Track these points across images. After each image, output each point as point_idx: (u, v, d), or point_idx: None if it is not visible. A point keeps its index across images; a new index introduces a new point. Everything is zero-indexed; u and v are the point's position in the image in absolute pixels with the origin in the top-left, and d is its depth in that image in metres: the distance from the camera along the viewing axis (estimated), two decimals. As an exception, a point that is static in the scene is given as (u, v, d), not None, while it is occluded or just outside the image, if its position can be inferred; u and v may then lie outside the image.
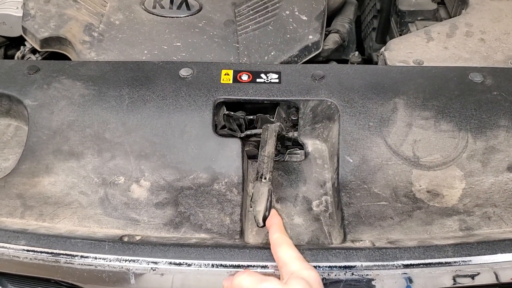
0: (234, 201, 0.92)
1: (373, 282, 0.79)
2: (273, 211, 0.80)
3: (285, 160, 1.07)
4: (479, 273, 0.81)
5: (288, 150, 1.09)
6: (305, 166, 1.04)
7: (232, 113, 1.03)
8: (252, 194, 0.86)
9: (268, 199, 0.82)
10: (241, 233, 0.88)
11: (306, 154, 1.06)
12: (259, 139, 1.07)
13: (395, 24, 1.49)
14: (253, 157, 1.07)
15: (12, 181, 0.94)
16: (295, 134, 1.09)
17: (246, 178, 0.98)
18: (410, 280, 0.80)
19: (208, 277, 0.79)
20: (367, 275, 0.78)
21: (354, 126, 1.00)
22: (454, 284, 0.82)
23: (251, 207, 0.85)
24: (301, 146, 1.10)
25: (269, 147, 0.94)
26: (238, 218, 0.89)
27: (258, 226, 0.81)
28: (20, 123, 1.09)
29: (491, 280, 0.82)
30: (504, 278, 0.81)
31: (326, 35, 1.45)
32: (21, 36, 1.37)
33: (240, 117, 1.03)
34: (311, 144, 1.08)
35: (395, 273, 0.78)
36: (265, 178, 0.87)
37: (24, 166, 0.96)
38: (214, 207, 0.91)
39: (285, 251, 0.73)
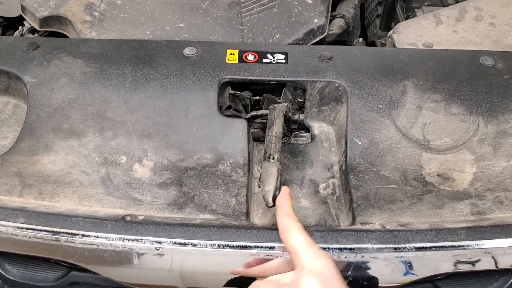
0: (240, 182, 0.89)
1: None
2: (284, 189, 0.77)
3: (291, 142, 1.05)
4: (480, 260, 0.78)
5: (294, 133, 1.07)
6: (311, 149, 1.02)
7: (238, 92, 1.00)
8: (260, 174, 0.83)
9: (278, 178, 0.79)
10: (247, 214, 0.86)
11: (313, 137, 1.04)
12: (264, 121, 1.04)
13: (401, 10, 1.46)
14: (257, 139, 1.04)
15: (11, 159, 0.91)
16: (301, 116, 1.06)
17: (252, 160, 0.95)
18: (410, 266, 0.77)
19: (213, 258, 0.77)
20: (377, 257, 0.75)
21: (363, 108, 0.97)
22: (454, 270, 0.79)
23: (259, 187, 0.82)
24: (307, 129, 1.07)
25: (277, 127, 0.91)
26: (244, 199, 0.87)
27: (267, 206, 0.79)
28: (19, 101, 1.06)
29: (490, 266, 0.80)
30: (504, 264, 0.79)
31: (331, 20, 1.42)
32: (19, 17, 1.34)
33: (246, 97, 1.01)
34: (317, 127, 1.06)
35: (407, 255, 0.76)
36: (273, 158, 0.85)
37: (23, 144, 0.93)
38: (219, 188, 0.88)
39: (295, 237, 0.70)
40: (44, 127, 0.95)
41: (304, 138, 1.06)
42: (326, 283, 0.63)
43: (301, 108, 1.08)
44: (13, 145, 0.94)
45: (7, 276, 0.83)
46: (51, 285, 0.83)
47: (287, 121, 1.03)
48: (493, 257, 0.78)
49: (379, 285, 0.78)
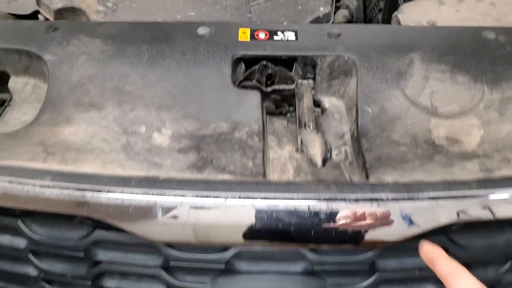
0: (256, 147, 0.92)
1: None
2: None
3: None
4: (490, 209, 0.81)
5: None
6: (322, 121, 1.05)
7: (270, 63, 1.04)
8: (301, 140, 0.87)
9: (325, 142, 0.84)
10: (264, 175, 0.88)
11: (323, 110, 1.07)
12: (278, 97, 1.08)
13: (403, 2, 1.51)
14: (270, 113, 1.08)
15: (33, 131, 0.94)
16: (312, 92, 1.10)
17: (266, 129, 0.99)
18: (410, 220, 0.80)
19: (233, 212, 0.79)
20: (393, 207, 0.78)
21: (372, 79, 1.01)
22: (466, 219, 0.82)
23: (299, 151, 0.86)
24: (317, 105, 1.11)
25: (307, 100, 0.97)
26: (260, 162, 0.90)
27: (316, 167, 0.83)
28: (38, 81, 1.10)
29: (500, 216, 0.82)
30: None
31: (336, 11, 1.47)
32: (31, 14, 1.38)
33: (276, 69, 1.04)
34: (327, 101, 1.09)
35: (421, 205, 0.79)
36: (309, 127, 0.89)
37: (44, 117, 0.97)
38: (236, 152, 0.91)
39: (467, 282, 0.72)
40: (64, 101, 0.99)
41: (315, 112, 1.10)
42: None
43: (311, 84, 1.12)
44: (35, 118, 0.97)
45: (34, 236, 0.85)
46: (76, 243, 0.85)
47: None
48: (502, 207, 0.80)
49: (394, 239, 0.80)
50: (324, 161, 0.88)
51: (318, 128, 1.03)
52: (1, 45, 1.07)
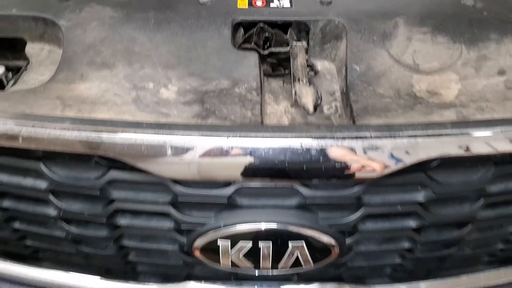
0: (254, 100, 1.02)
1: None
2: None
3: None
4: (464, 146, 0.90)
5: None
6: (315, 81, 1.15)
7: (267, 26, 1.13)
8: (295, 91, 0.97)
9: (317, 91, 0.94)
10: (262, 123, 0.98)
11: (316, 72, 1.17)
12: (274, 60, 1.18)
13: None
14: (268, 75, 1.18)
15: (51, 87, 1.04)
16: (306, 56, 1.20)
17: (263, 86, 1.09)
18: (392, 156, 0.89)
19: (234, 150, 0.89)
20: (376, 144, 0.88)
21: (360, 40, 1.11)
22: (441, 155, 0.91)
23: (295, 101, 0.96)
24: (311, 68, 1.20)
25: (301, 59, 1.07)
26: (258, 112, 1.00)
27: (308, 113, 0.93)
28: (53, 46, 1.19)
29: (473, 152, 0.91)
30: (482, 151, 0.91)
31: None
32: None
33: (272, 32, 1.14)
34: (320, 64, 1.19)
35: (401, 142, 0.88)
36: (303, 81, 0.99)
37: (61, 75, 1.06)
38: (236, 104, 1.01)
39: None
40: (79, 61, 1.08)
41: (308, 74, 1.20)
42: None
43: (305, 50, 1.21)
44: (52, 76, 1.06)
45: (54, 176, 0.95)
46: (92, 183, 0.94)
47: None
48: (475, 145, 0.90)
49: (374, 175, 0.89)
50: (315, 108, 0.98)
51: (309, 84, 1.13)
52: (19, 12, 1.17)
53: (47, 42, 1.20)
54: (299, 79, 1.04)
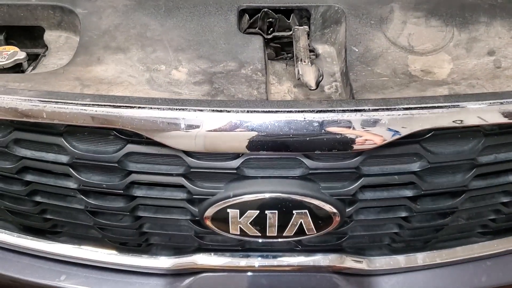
0: (260, 80, 1.10)
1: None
2: None
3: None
4: (456, 119, 0.97)
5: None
6: (316, 63, 1.22)
7: (270, 10, 1.21)
8: (298, 71, 1.05)
9: (318, 69, 1.01)
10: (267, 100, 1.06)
11: (317, 55, 1.25)
12: (278, 45, 1.26)
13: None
14: (271, 59, 1.25)
15: (69, 69, 1.12)
16: (307, 39, 1.27)
17: (268, 67, 1.16)
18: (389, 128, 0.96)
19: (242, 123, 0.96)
20: (374, 116, 0.95)
21: (358, 24, 1.19)
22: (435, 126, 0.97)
23: (299, 79, 1.04)
24: (313, 52, 1.28)
25: (303, 42, 1.14)
26: (264, 91, 1.07)
27: (310, 89, 1.00)
28: (70, 34, 1.27)
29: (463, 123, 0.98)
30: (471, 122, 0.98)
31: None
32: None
33: (276, 17, 1.22)
34: (321, 48, 1.27)
35: (397, 114, 0.96)
36: (305, 62, 1.07)
37: (79, 59, 1.14)
38: (243, 84, 1.09)
39: None
40: (95, 46, 1.16)
41: (310, 57, 1.27)
42: None
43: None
44: (71, 60, 1.14)
45: (75, 150, 1.02)
46: (111, 155, 1.02)
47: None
48: (465, 117, 0.98)
49: (372, 146, 0.97)
50: (317, 84, 1.05)
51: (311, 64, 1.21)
52: (38, 1, 1.24)
53: (64, 30, 1.28)
54: (301, 60, 1.11)
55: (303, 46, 1.15)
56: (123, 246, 1.22)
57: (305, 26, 1.21)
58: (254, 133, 0.95)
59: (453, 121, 0.97)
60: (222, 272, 1.22)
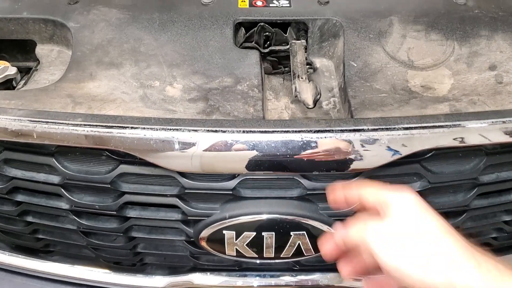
0: (256, 97, 1.07)
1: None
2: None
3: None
4: (457, 138, 0.94)
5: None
6: (314, 77, 1.20)
7: (267, 25, 1.18)
8: (295, 88, 1.03)
9: (316, 87, 0.99)
10: (264, 118, 1.03)
11: (315, 69, 1.22)
12: (274, 59, 1.23)
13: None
14: (268, 74, 1.23)
15: (61, 86, 1.09)
16: (305, 54, 1.25)
17: (264, 83, 1.14)
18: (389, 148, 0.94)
19: (238, 145, 0.93)
20: (373, 136, 0.93)
21: (357, 38, 1.16)
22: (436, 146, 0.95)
23: (296, 96, 1.01)
24: (310, 66, 1.25)
25: (300, 56, 1.11)
26: (260, 108, 1.04)
27: (307, 107, 0.98)
28: (62, 48, 1.24)
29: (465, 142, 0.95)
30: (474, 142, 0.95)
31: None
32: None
33: (272, 30, 1.19)
34: (319, 62, 1.24)
35: (397, 134, 0.93)
36: (302, 78, 1.04)
37: (71, 74, 1.11)
38: (239, 101, 1.06)
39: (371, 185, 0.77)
40: (88, 61, 1.13)
41: (307, 72, 1.25)
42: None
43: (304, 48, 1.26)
44: (63, 76, 1.11)
45: (66, 171, 0.99)
46: (103, 176, 0.99)
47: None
48: (467, 136, 0.95)
49: (374, 166, 0.94)
50: (315, 103, 1.03)
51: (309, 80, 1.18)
52: (30, 15, 1.21)
53: (56, 43, 1.25)
54: (299, 76, 1.08)
55: (301, 61, 1.12)
56: (117, 266, 1.19)
57: (303, 40, 1.18)
58: (252, 153, 0.92)
59: (454, 139, 0.94)
60: (219, 292, 1.19)
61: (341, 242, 0.76)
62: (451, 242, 0.67)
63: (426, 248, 0.66)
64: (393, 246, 0.67)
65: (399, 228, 0.69)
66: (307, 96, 1.03)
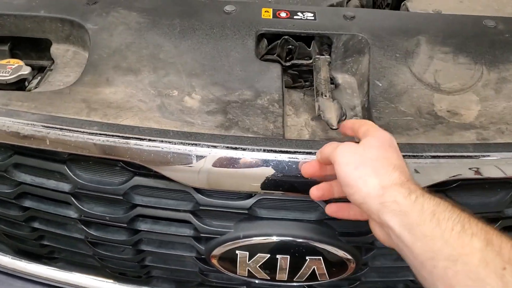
0: (276, 112, 1.03)
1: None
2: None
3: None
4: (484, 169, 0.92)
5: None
6: (336, 94, 1.16)
7: (291, 38, 1.15)
8: (318, 106, 0.99)
9: (341, 107, 0.95)
10: (283, 136, 0.99)
11: (337, 85, 1.18)
12: (295, 72, 1.19)
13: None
14: (287, 87, 1.19)
15: (76, 89, 1.05)
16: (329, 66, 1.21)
17: (285, 98, 1.10)
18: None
19: (257, 163, 0.90)
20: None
21: (383, 56, 1.12)
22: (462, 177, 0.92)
23: (319, 115, 0.98)
24: (332, 81, 1.22)
25: (324, 73, 1.08)
26: (280, 125, 1.01)
27: (331, 128, 0.94)
28: (78, 49, 1.21)
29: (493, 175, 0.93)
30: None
31: (348, 1, 1.58)
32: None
33: (296, 44, 1.15)
34: (341, 78, 1.20)
35: (424, 162, 0.90)
36: (325, 96, 1.01)
37: (86, 78, 1.07)
38: (258, 116, 1.02)
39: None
40: (105, 65, 1.09)
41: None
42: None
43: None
44: (78, 79, 1.08)
45: (78, 180, 0.96)
46: (116, 187, 0.96)
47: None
48: (495, 167, 0.92)
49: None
50: (339, 123, 0.99)
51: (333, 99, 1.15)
52: (47, 14, 1.18)
53: (72, 44, 1.21)
54: (322, 94, 1.05)
55: (324, 78, 1.09)
56: (122, 276, 1.15)
57: (327, 56, 1.15)
58: (271, 172, 0.89)
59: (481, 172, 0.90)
60: (226, 309, 1.16)
61: (318, 156, 0.83)
62: (397, 174, 0.71)
63: (377, 167, 0.72)
64: (351, 159, 0.73)
65: (364, 151, 0.75)
66: (331, 116, 1.00)
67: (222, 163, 0.90)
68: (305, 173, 0.86)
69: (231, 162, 0.90)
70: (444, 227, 0.63)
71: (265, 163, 0.90)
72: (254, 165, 0.90)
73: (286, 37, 1.15)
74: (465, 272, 0.59)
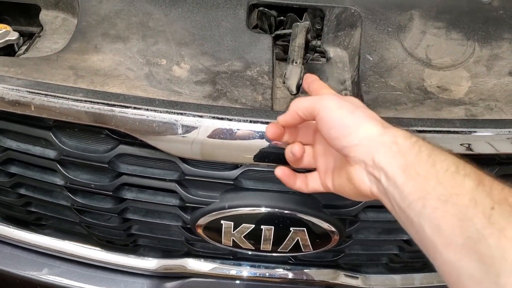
0: (265, 84, 1.02)
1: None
2: (309, 75, 0.91)
3: (308, 62, 1.18)
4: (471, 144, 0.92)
5: (311, 57, 1.20)
6: (327, 68, 1.15)
7: (266, 9, 1.13)
8: (285, 73, 0.97)
9: (301, 71, 0.93)
10: (272, 108, 0.99)
11: (328, 59, 1.17)
12: (286, 43, 1.18)
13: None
14: (279, 59, 1.18)
15: (64, 56, 1.04)
16: (318, 42, 1.20)
17: (275, 70, 1.09)
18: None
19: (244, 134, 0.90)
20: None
21: (375, 30, 1.11)
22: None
23: (284, 82, 0.96)
24: (323, 54, 1.20)
25: (299, 40, 1.05)
26: (269, 97, 1.00)
27: (291, 94, 0.92)
28: (68, 15, 1.19)
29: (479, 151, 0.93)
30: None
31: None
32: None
33: (273, 14, 1.14)
34: (332, 51, 1.19)
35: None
36: (296, 62, 0.99)
37: (74, 45, 1.06)
38: (247, 87, 1.01)
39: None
40: (93, 32, 1.08)
41: (320, 62, 1.20)
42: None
43: (318, 36, 1.21)
44: (66, 46, 1.06)
45: (64, 146, 0.95)
46: (101, 155, 0.95)
47: (306, 43, 1.16)
48: (481, 145, 0.91)
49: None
50: (298, 89, 0.98)
51: (322, 74, 1.14)
52: (35, -22, 1.16)
53: (61, 10, 1.20)
54: (293, 61, 1.03)
55: (298, 45, 1.06)
56: (109, 244, 1.16)
57: (306, 22, 1.12)
58: (261, 145, 0.88)
59: (467, 148, 0.90)
60: (211, 279, 1.17)
61: (294, 111, 0.78)
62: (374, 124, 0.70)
63: (371, 113, 0.73)
64: (344, 104, 0.72)
65: (352, 100, 0.77)
66: (293, 82, 0.98)
67: (207, 134, 0.89)
68: (269, 131, 0.80)
69: (224, 133, 0.89)
70: (439, 168, 0.62)
71: (252, 133, 0.89)
72: (248, 137, 0.89)
73: (261, 8, 1.13)
74: (454, 212, 0.58)
